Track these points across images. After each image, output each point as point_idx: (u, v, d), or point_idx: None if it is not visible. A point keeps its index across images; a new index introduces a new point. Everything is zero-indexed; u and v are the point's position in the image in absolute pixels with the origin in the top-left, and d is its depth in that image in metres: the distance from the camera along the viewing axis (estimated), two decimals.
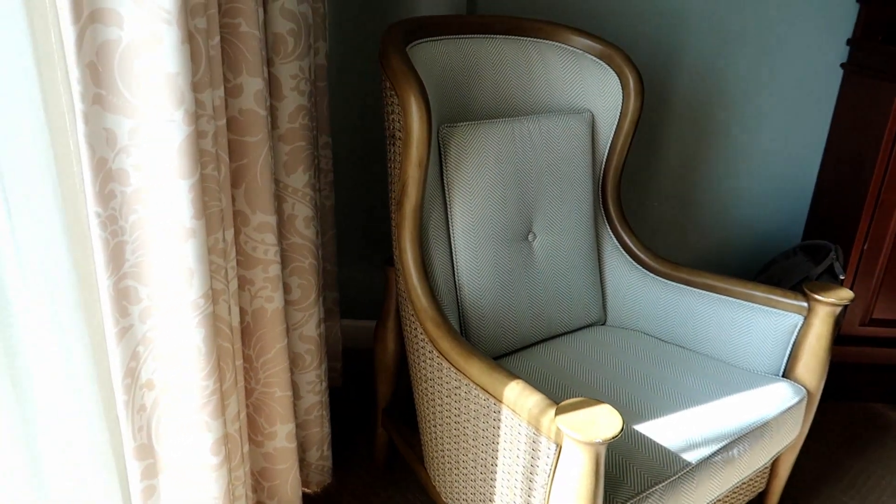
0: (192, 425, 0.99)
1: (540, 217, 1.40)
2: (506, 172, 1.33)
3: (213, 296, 0.98)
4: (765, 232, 2.14)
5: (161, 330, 0.92)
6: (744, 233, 2.14)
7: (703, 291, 1.42)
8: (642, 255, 1.50)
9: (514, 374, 1.01)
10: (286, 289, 1.31)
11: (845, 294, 1.24)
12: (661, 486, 1.04)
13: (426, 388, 1.24)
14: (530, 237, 1.39)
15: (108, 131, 0.80)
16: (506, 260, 1.35)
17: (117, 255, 0.85)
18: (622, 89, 1.45)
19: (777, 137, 2.01)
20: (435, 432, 1.25)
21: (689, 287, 1.44)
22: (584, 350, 1.39)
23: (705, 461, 1.10)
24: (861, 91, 1.83)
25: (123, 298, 0.88)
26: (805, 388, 1.29)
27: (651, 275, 1.49)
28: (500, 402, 1.01)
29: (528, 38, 1.43)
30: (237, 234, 1.13)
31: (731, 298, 1.38)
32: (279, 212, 1.26)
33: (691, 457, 1.09)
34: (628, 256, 1.52)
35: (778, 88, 1.95)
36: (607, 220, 1.53)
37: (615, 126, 1.47)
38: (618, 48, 1.44)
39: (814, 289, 1.26)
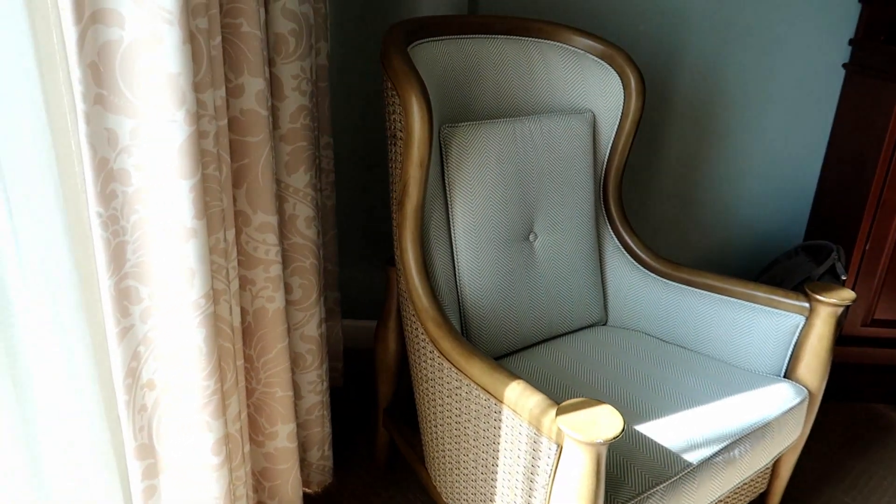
0: (193, 425, 0.99)
1: (541, 217, 1.39)
2: (507, 173, 1.33)
3: (214, 296, 0.98)
4: (766, 232, 2.14)
5: (162, 330, 0.92)
6: (745, 233, 2.14)
7: (705, 292, 1.41)
8: (643, 256, 1.50)
9: (514, 375, 1.01)
10: (287, 289, 1.31)
11: (847, 294, 1.24)
12: (662, 486, 1.04)
13: (427, 389, 1.24)
14: (531, 237, 1.39)
15: (110, 131, 0.80)
16: (507, 260, 1.35)
17: (118, 255, 0.85)
18: (623, 89, 1.45)
19: (779, 137, 2.01)
20: (436, 432, 1.25)
21: (690, 287, 1.44)
22: (585, 350, 1.39)
23: (706, 462, 1.10)
24: (863, 91, 1.83)
25: (124, 298, 0.88)
26: (806, 388, 1.29)
27: (652, 275, 1.49)
28: (501, 402, 1.01)
29: (530, 38, 1.43)
30: (238, 234, 1.13)
31: (732, 299, 1.38)
32: (280, 212, 1.26)
33: (692, 457, 1.09)
34: (629, 256, 1.52)
35: (779, 88, 1.95)
36: (608, 220, 1.53)
37: (616, 126, 1.47)
38: (619, 48, 1.44)
39: (815, 289, 1.26)
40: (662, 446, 1.09)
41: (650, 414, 1.17)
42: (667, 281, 1.47)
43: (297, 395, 1.42)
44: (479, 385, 1.06)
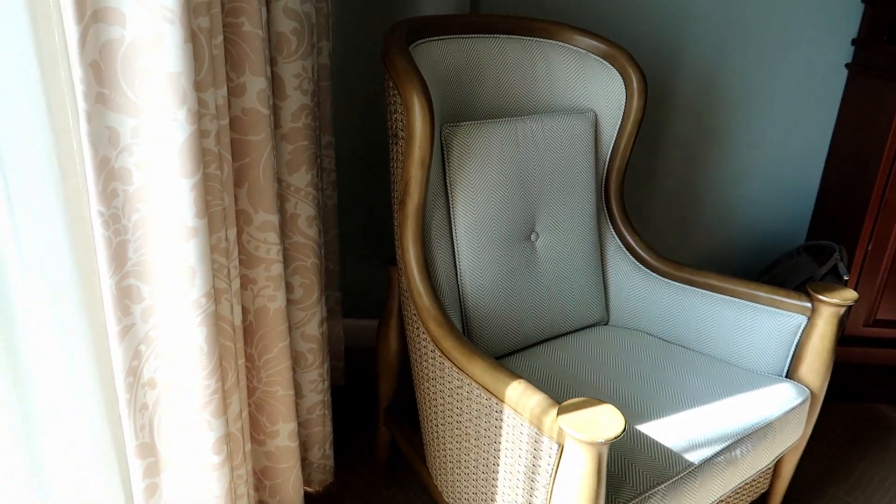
0: (194, 424, 0.99)
1: (543, 217, 1.39)
2: (508, 172, 1.33)
3: (215, 295, 0.98)
4: (768, 232, 2.14)
5: (163, 329, 0.92)
6: (747, 233, 2.14)
7: (707, 292, 1.41)
8: (645, 255, 1.50)
9: (516, 374, 1.01)
10: (288, 288, 1.31)
11: (849, 294, 1.24)
12: (663, 486, 1.04)
13: (428, 388, 1.24)
14: (533, 237, 1.39)
15: (111, 130, 0.80)
16: (508, 260, 1.34)
17: (119, 254, 0.85)
18: (625, 89, 1.44)
19: (781, 137, 2.01)
20: (437, 431, 1.25)
21: (692, 287, 1.43)
22: (586, 350, 1.39)
23: (708, 462, 1.10)
24: (866, 91, 1.82)
25: (125, 297, 0.88)
26: (808, 388, 1.29)
27: (654, 275, 1.49)
28: (503, 401, 1.01)
29: (532, 38, 1.43)
30: (240, 233, 1.13)
31: (734, 299, 1.37)
32: (282, 211, 1.26)
33: (694, 457, 1.09)
34: (631, 256, 1.52)
35: (782, 88, 1.94)
36: (610, 219, 1.53)
37: (618, 126, 1.47)
38: (621, 48, 1.44)
39: (818, 289, 1.26)
40: (664, 446, 1.09)
41: (651, 413, 1.17)
42: (668, 280, 1.47)
43: (298, 394, 1.42)
44: (480, 384, 1.05)
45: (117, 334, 0.88)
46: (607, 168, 1.51)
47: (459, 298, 1.32)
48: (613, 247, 1.53)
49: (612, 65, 1.45)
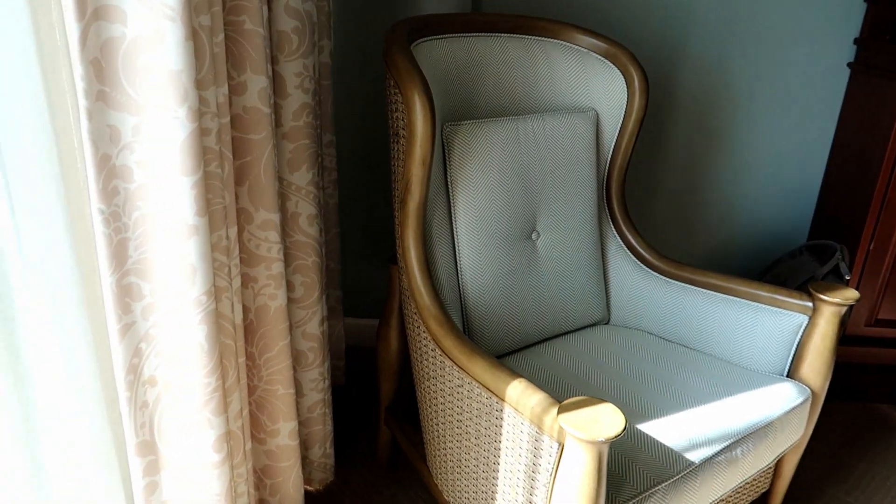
0: (195, 422, 0.99)
1: (544, 216, 1.39)
2: (510, 171, 1.33)
3: (216, 293, 0.98)
4: (770, 231, 2.14)
5: (164, 327, 0.92)
6: (749, 232, 2.14)
7: (708, 291, 1.41)
8: (646, 255, 1.50)
9: (516, 373, 1.01)
10: (289, 286, 1.31)
11: (851, 294, 1.24)
12: (663, 485, 1.04)
13: (429, 387, 1.24)
14: (534, 236, 1.39)
15: (112, 128, 0.80)
16: (509, 258, 1.34)
17: (120, 252, 0.85)
18: (627, 88, 1.44)
19: (783, 136, 2.01)
20: (437, 430, 1.25)
21: (693, 286, 1.43)
22: (587, 349, 1.39)
23: (708, 461, 1.10)
24: (868, 90, 1.82)
25: (126, 295, 0.88)
26: (809, 388, 1.29)
27: (655, 274, 1.49)
28: (503, 400, 1.00)
29: (533, 37, 1.43)
30: (241, 231, 1.13)
31: (735, 298, 1.37)
32: (283, 209, 1.26)
33: (694, 456, 1.08)
34: (632, 255, 1.52)
35: (784, 87, 1.94)
36: (611, 218, 1.53)
37: (620, 125, 1.47)
38: (623, 47, 1.44)
39: (819, 289, 1.26)
40: (664, 445, 1.09)
41: (652, 413, 1.17)
42: (669, 280, 1.46)
43: (298, 392, 1.42)
44: (480, 383, 1.05)
45: (118, 332, 0.88)
46: (609, 167, 1.51)
47: (460, 297, 1.31)
48: (614, 246, 1.53)
49: (614, 64, 1.45)
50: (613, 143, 1.48)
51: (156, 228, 0.87)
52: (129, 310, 0.89)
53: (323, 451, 1.50)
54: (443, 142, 1.28)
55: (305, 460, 1.50)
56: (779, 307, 1.32)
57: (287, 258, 1.29)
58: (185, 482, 1.03)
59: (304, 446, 1.49)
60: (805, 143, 2.01)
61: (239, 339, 1.12)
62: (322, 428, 1.47)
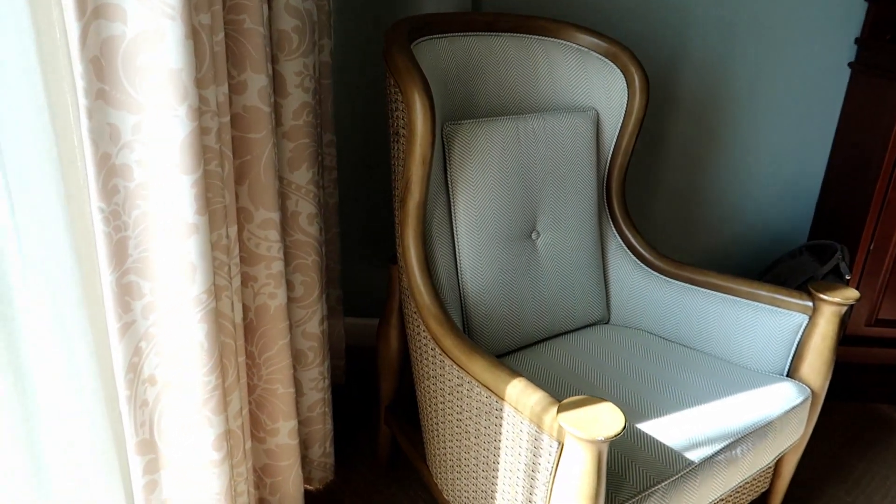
0: (194, 421, 0.99)
1: (544, 215, 1.39)
2: (510, 170, 1.33)
3: (216, 292, 0.98)
4: (770, 231, 2.14)
5: (163, 325, 0.92)
6: (749, 232, 2.13)
7: (708, 290, 1.41)
8: (646, 254, 1.50)
9: (516, 372, 1.01)
10: (289, 286, 1.31)
11: (851, 294, 1.24)
12: (663, 484, 1.04)
13: (429, 386, 1.24)
14: (534, 235, 1.39)
15: (112, 126, 0.80)
16: (509, 258, 1.34)
17: (120, 251, 0.85)
18: (627, 87, 1.44)
19: (783, 136, 2.01)
20: (437, 430, 1.25)
21: (693, 286, 1.43)
22: (587, 349, 1.39)
23: (708, 460, 1.10)
24: (868, 90, 1.82)
25: (126, 294, 0.88)
26: (809, 387, 1.29)
27: (655, 273, 1.49)
28: (503, 399, 1.00)
29: (533, 36, 1.43)
30: (240, 230, 1.13)
31: (735, 298, 1.37)
32: (283, 209, 1.26)
33: (694, 456, 1.08)
34: (632, 255, 1.52)
35: (785, 87, 1.94)
36: (611, 218, 1.53)
37: (620, 124, 1.47)
38: (623, 46, 1.44)
39: (819, 288, 1.26)
40: (664, 444, 1.09)
41: (652, 412, 1.17)
42: (669, 279, 1.46)
43: (298, 392, 1.42)
44: (480, 382, 1.05)
45: (118, 331, 0.88)
46: (609, 166, 1.51)
47: (460, 296, 1.31)
48: (615, 245, 1.53)
49: (614, 63, 1.45)
50: (614, 143, 1.48)
51: (156, 227, 0.87)
52: (129, 308, 0.89)
53: (323, 450, 1.50)
54: (443, 141, 1.28)
55: (305, 459, 1.50)
56: (779, 307, 1.32)
57: (287, 257, 1.30)
58: (184, 481, 1.03)
59: (304, 445, 1.49)
60: (805, 142, 2.01)
61: (239, 337, 1.12)
62: (322, 427, 1.47)
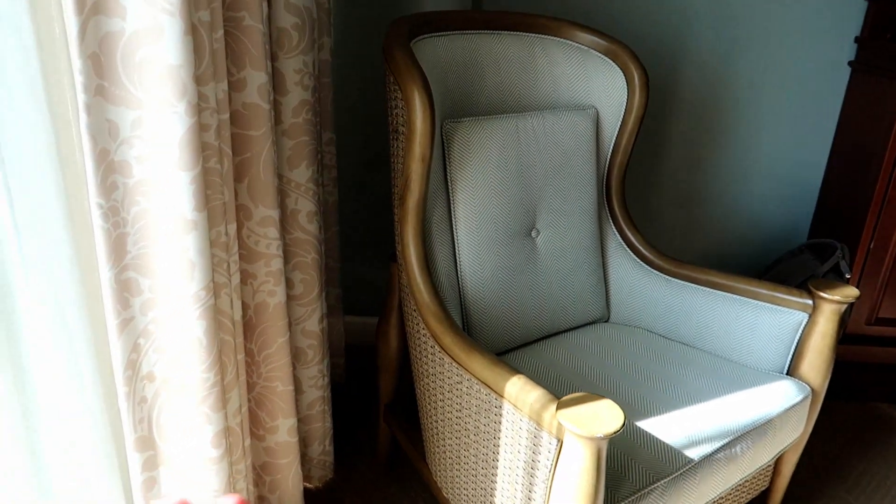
0: (193, 418, 0.99)
1: (543, 213, 1.39)
2: (509, 168, 1.33)
3: (215, 289, 0.98)
4: (770, 230, 2.13)
5: (162, 322, 0.92)
6: (749, 231, 2.13)
7: (708, 289, 1.41)
8: (646, 252, 1.50)
9: (515, 370, 1.01)
10: (289, 284, 1.31)
11: (850, 292, 1.23)
12: (662, 482, 1.04)
13: (428, 384, 1.24)
14: (533, 233, 1.39)
15: (111, 122, 0.80)
16: (509, 256, 1.34)
17: (119, 247, 0.85)
18: (627, 86, 1.44)
19: (783, 135, 2.00)
20: (436, 428, 1.25)
21: (693, 284, 1.43)
22: (586, 347, 1.39)
23: (708, 458, 1.10)
24: (868, 89, 1.82)
25: (125, 290, 0.88)
26: (809, 386, 1.29)
27: (655, 272, 1.49)
28: (502, 397, 1.00)
29: (534, 34, 1.43)
30: (240, 227, 1.13)
31: (735, 296, 1.37)
32: (282, 206, 1.26)
33: (694, 453, 1.08)
34: (632, 253, 1.51)
35: (784, 86, 1.94)
36: (611, 216, 1.53)
37: (620, 123, 1.47)
38: (623, 44, 1.44)
39: (819, 286, 1.25)
40: (664, 442, 1.09)
41: (652, 410, 1.17)
42: (669, 278, 1.46)
43: (298, 390, 1.42)
44: (479, 380, 1.05)
45: (116, 327, 0.88)
46: (609, 165, 1.50)
47: (459, 295, 1.31)
48: (614, 244, 1.53)
49: (614, 61, 1.45)
50: (613, 141, 1.48)
51: (155, 223, 0.87)
52: (128, 305, 0.89)
53: (322, 448, 1.50)
54: (442, 139, 1.28)
55: (305, 457, 1.50)
56: (779, 305, 1.32)
57: (286, 255, 1.29)
58: (183, 478, 1.03)
59: (304, 443, 1.49)
60: (805, 141, 2.01)
61: (238, 335, 1.12)
62: (321, 425, 1.47)
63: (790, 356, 1.31)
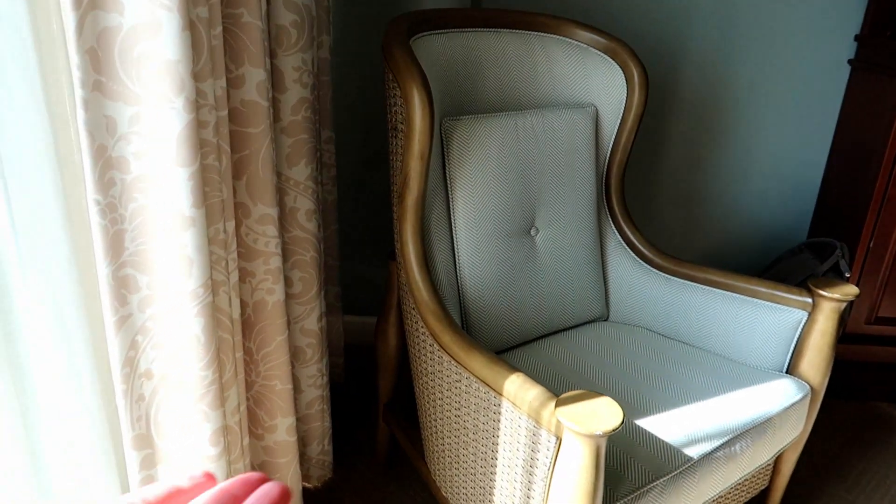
0: (191, 415, 0.98)
1: (542, 212, 1.39)
2: (508, 166, 1.32)
3: (213, 287, 0.98)
4: (770, 229, 2.13)
5: (160, 319, 0.92)
6: (749, 230, 2.13)
7: (707, 287, 1.41)
8: (646, 251, 1.49)
9: (514, 368, 1.01)
10: (287, 282, 1.31)
11: (850, 290, 1.23)
12: (662, 480, 1.03)
13: (427, 382, 1.23)
14: (533, 232, 1.39)
15: (109, 118, 0.80)
16: (508, 254, 1.34)
17: (117, 244, 0.85)
18: (626, 83, 1.44)
19: (783, 134, 2.00)
20: (435, 426, 1.24)
21: (692, 283, 1.43)
22: (586, 345, 1.39)
23: (707, 456, 1.09)
24: (868, 87, 1.82)
25: (122, 287, 0.87)
26: (809, 384, 1.28)
27: (654, 270, 1.48)
28: (501, 395, 1.00)
29: (533, 32, 1.42)
30: (238, 225, 1.13)
31: (734, 294, 1.37)
32: (281, 204, 1.25)
33: (693, 452, 1.08)
34: (631, 252, 1.51)
35: (785, 84, 1.94)
36: (610, 215, 1.53)
37: (619, 121, 1.47)
38: (622, 42, 1.44)
39: (818, 284, 1.25)
40: (663, 441, 1.09)
41: (651, 409, 1.17)
42: (669, 276, 1.46)
43: (297, 389, 1.41)
44: (478, 378, 1.05)
45: (114, 324, 0.88)
46: (608, 163, 1.50)
47: (458, 293, 1.31)
48: (614, 242, 1.53)
49: (614, 59, 1.44)
50: (613, 139, 1.48)
51: (152, 220, 0.87)
52: (126, 302, 0.88)
53: (321, 447, 1.50)
54: (441, 137, 1.27)
55: (304, 457, 1.50)
56: (778, 303, 1.31)
57: (285, 253, 1.29)
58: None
59: (303, 443, 1.48)
60: (805, 139, 2.01)
61: (236, 333, 1.12)
62: (320, 424, 1.47)
63: (790, 355, 1.31)
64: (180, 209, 0.86)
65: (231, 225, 1.05)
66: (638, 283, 1.51)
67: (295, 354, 1.38)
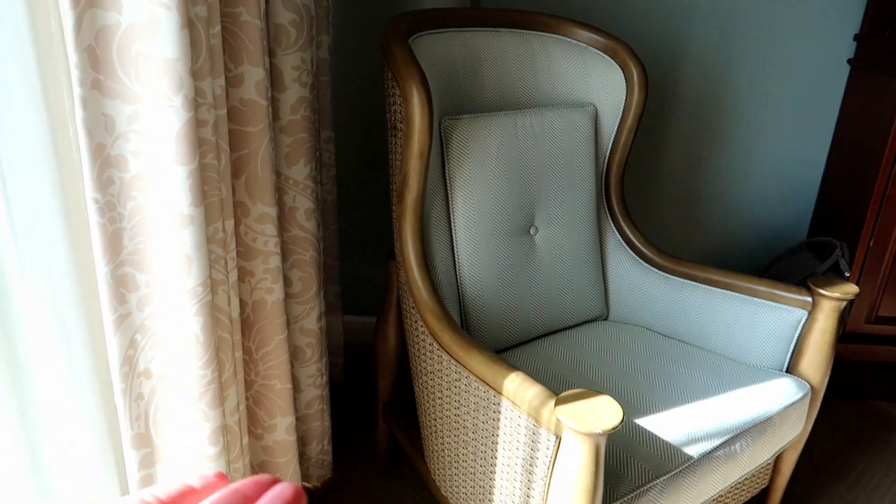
0: (190, 414, 0.98)
1: (542, 211, 1.39)
2: (508, 166, 1.32)
3: (212, 286, 0.98)
4: (770, 229, 2.13)
5: (159, 318, 0.92)
6: (749, 229, 2.13)
7: (707, 286, 1.41)
8: (645, 250, 1.49)
9: (514, 367, 1.00)
10: (287, 281, 1.31)
11: (850, 289, 1.23)
12: (662, 479, 1.03)
13: (426, 382, 1.23)
14: (532, 231, 1.39)
15: (107, 117, 0.80)
16: (507, 253, 1.34)
17: (115, 242, 0.85)
18: (626, 83, 1.44)
19: (783, 133, 2.00)
20: (435, 426, 1.24)
21: (692, 282, 1.43)
22: (585, 345, 1.39)
23: (707, 455, 1.09)
24: (868, 87, 1.81)
25: (121, 286, 0.87)
26: (809, 383, 1.28)
27: (654, 270, 1.48)
28: (500, 394, 1.00)
29: (532, 32, 1.42)
30: (237, 224, 1.13)
31: (734, 293, 1.37)
32: (280, 204, 1.25)
33: (693, 451, 1.08)
34: (631, 251, 1.51)
35: (784, 84, 1.94)
36: (610, 214, 1.52)
37: (619, 120, 1.47)
38: (622, 41, 1.43)
39: (818, 283, 1.25)
40: (663, 440, 1.08)
41: (651, 408, 1.16)
42: (668, 275, 1.46)
43: (296, 388, 1.41)
44: (478, 377, 1.05)
45: (112, 323, 0.88)
46: (607, 162, 1.50)
47: (458, 292, 1.31)
48: (613, 241, 1.53)
49: (613, 59, 1.44)
50: (612, 139, 1.48)
51: (151, 219, 0.87)
52: (125, 300, 0.88)
53: (321, 447, 1.49)
54: (441, 136, 1.27)
55: (303, 456, 1.50)
56: (778, 302, 1.31)
57: (284, 253, 1.29)
58: (181, 476, 1.03)
59: (302, 442, 1.48)
60: (805, 139, 2.01)
61: (236, 332, 1.11)
62: (320, 424, 1.47)
63: (790, 354, 1.31)
64: (179, 208, 0.86)
65: (230, 224, 1.05)
66: (638, 283, 1.50)
67: (294, 354, 1.38)
